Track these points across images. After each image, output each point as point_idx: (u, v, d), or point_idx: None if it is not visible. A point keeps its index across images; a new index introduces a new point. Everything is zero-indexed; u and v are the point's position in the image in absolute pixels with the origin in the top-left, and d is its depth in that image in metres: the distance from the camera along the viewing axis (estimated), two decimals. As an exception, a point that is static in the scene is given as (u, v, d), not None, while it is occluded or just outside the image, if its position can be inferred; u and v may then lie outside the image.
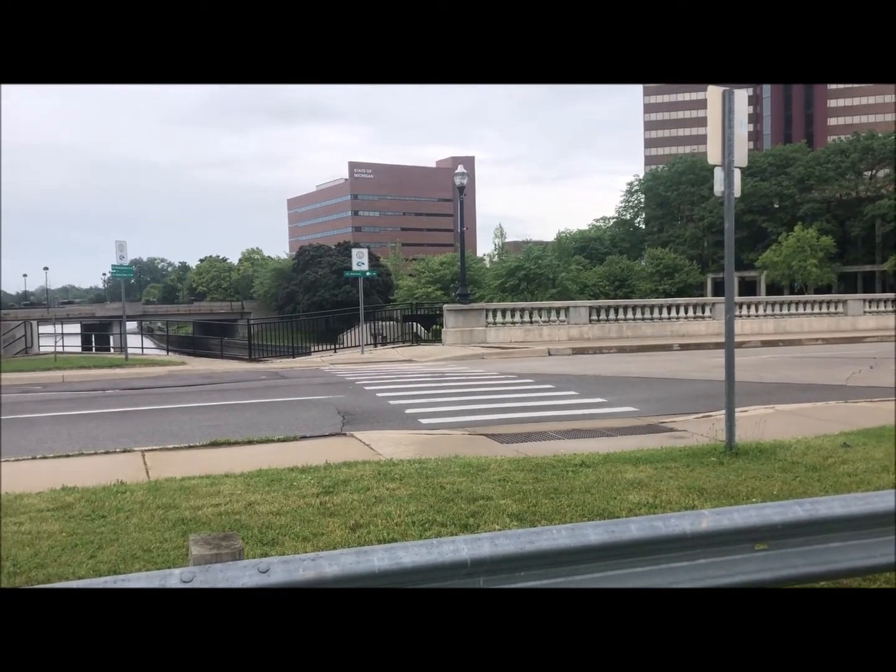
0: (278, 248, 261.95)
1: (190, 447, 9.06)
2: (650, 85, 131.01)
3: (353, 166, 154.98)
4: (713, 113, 7.76)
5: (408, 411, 11.73)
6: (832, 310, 30.02)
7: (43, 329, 34.45)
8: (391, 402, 12.77)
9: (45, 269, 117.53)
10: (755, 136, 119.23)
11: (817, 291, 68.08)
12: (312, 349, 28.33)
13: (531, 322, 26.17)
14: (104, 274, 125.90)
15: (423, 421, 10.92)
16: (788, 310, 29.34)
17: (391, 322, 31.21)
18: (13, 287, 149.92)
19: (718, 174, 7.89)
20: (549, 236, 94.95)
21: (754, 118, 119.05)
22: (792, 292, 71.14)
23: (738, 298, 28.57)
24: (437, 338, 27.69)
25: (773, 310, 29.14)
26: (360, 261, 25.76)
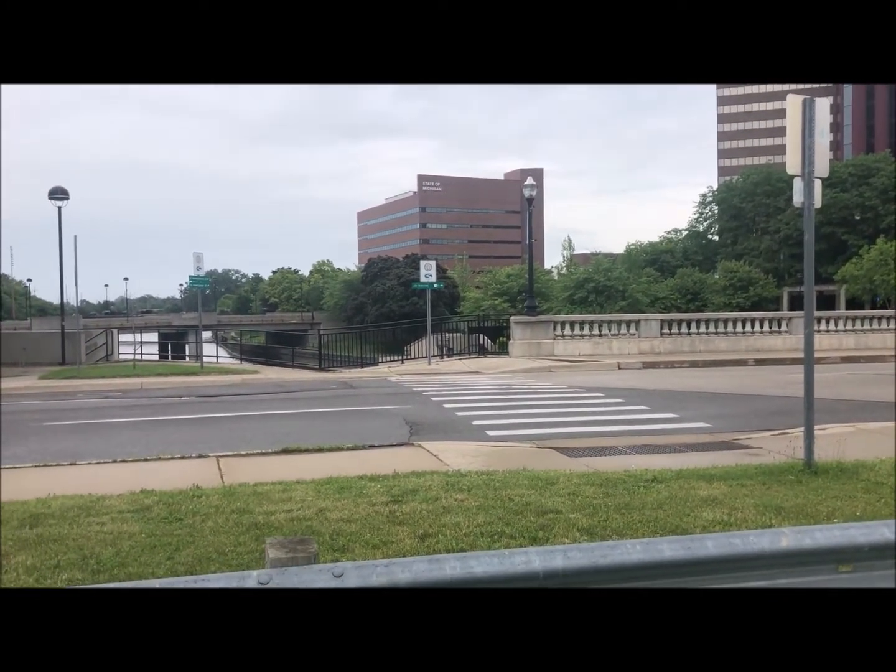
0: (348, 260, 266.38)
1: (262, 454, 9.25)
2: (724, 95, 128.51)
3: (421, 179, 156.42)
4: (793, 122, 7.57)
5: (475, 423, 11.72)
6: (917, 325, 28.79)
7: (123, 337, 35.71)
8: (458, 413, 12.79)
9: (126, 279, 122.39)
10: (835, 147, 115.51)
11: (901, 306, 65.38)
12: (380, 360, 28.62)
13: (600, 335, 25.86)
14: (181, 284, 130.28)
15: (491, 433, 10.90)
16: (870, 325, 28.26)
17: (458, 334, 31.30)
18: (95, 296, 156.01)
19: (798, 184, 7.68)
20: (619, 249, 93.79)
21: (834, 128, 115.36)
22: (874, 307, 68.45)
23: (817, 313, 27.69)
24: (503, 350, 27.62)
25: (853, 325, 28.12)
26: (427, 273, 25.95)
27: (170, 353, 50.44)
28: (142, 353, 32.67)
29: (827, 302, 79.32)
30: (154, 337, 57.34)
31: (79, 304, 28.60)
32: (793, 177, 7.74)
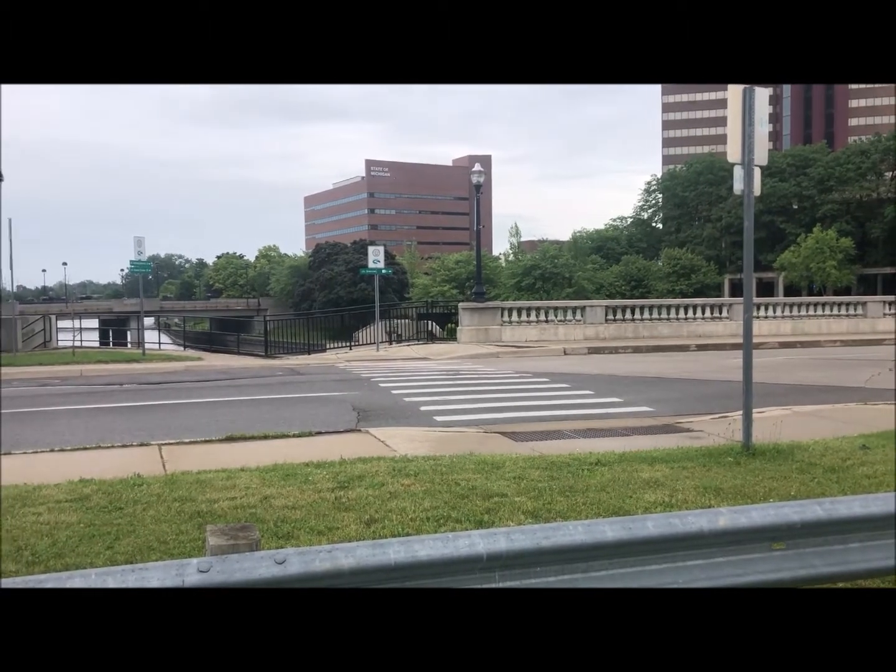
0: (295, 245, 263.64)
1: (206, 441, 9.10)
2: (668, 84, 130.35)
3: (369, 164, 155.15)
4: (733, 110, 7.71)
5: (423, 408, 11.73)
6: (851, 311, 29.73)
7: (62, 324, 34.67)
8: (406, 399, 12.78)
9: (64, 264, 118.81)
10: (775, 136, 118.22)
11: (836, 293, 67.47)
12: (328, 346, 28.40)
13: (546, 321, 26.10)
14: (122, 270, 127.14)
15: (438, 418, 10.92)
16: (807, 311, 29.10)
17: (406, 320, 31.22)
18: (32, 282, 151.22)
19: (738, 172, 7.83)
20: (565, 236, 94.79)
21: (774, 118, 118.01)
22: (810, 294, 70.51)
23: (756, 299, 28.36)
24: (451, 336, 27.68)
25: (791, 311, 28.91)
26: (376, 258, 25.79)
27: (111, 339, 49.18)
28: (81, 340, 31.81)
29: (766, 289, 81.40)
30: (94, 323, 55.90)
31: (15, 289, 27.66)
32: (734, 165, 7.90)
